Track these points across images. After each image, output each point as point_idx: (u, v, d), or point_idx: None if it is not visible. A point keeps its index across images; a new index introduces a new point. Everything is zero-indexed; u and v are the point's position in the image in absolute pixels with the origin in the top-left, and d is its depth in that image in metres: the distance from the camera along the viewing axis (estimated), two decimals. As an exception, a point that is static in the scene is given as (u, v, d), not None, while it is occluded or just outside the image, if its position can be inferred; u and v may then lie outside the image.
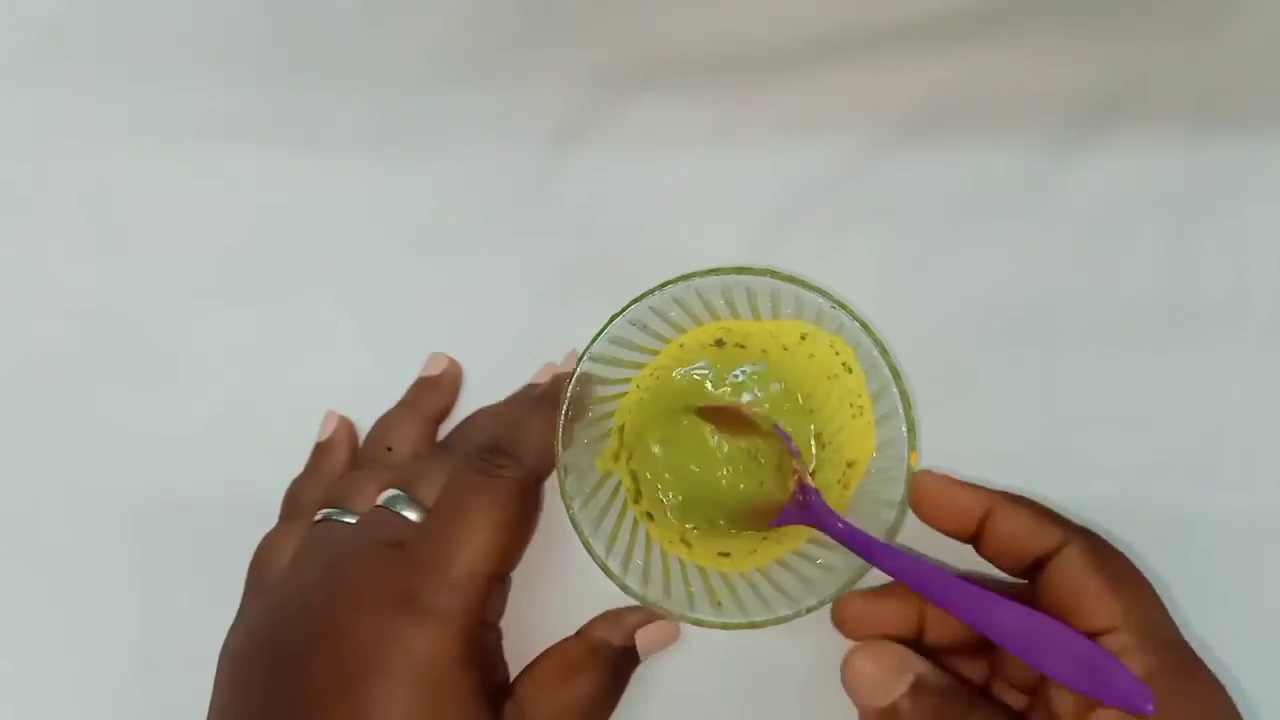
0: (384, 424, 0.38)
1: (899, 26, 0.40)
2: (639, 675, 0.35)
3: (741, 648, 0.34)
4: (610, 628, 0.35)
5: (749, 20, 0.41)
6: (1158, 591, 0.30)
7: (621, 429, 0.36)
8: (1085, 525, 0.31)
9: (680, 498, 0.36)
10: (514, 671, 0.34)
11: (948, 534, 0.32)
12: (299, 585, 0.33)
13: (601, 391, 0.34)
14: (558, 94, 0.41)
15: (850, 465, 0.35)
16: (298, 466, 0.39)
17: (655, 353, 0.36)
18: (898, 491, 0.32)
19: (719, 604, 0.33)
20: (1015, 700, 0.32)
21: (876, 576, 0.32)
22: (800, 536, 0.35)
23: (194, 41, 0.42)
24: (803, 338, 0.35)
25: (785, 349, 0.36)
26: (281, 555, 0.35)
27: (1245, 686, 0.34)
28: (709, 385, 0.37)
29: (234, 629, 0.34)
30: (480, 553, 0.32)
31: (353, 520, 0.34)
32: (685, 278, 0.33)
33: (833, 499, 0.34)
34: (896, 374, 0.33)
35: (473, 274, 0.40)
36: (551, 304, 0.40)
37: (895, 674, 0.30)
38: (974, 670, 0.33)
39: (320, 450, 0.39)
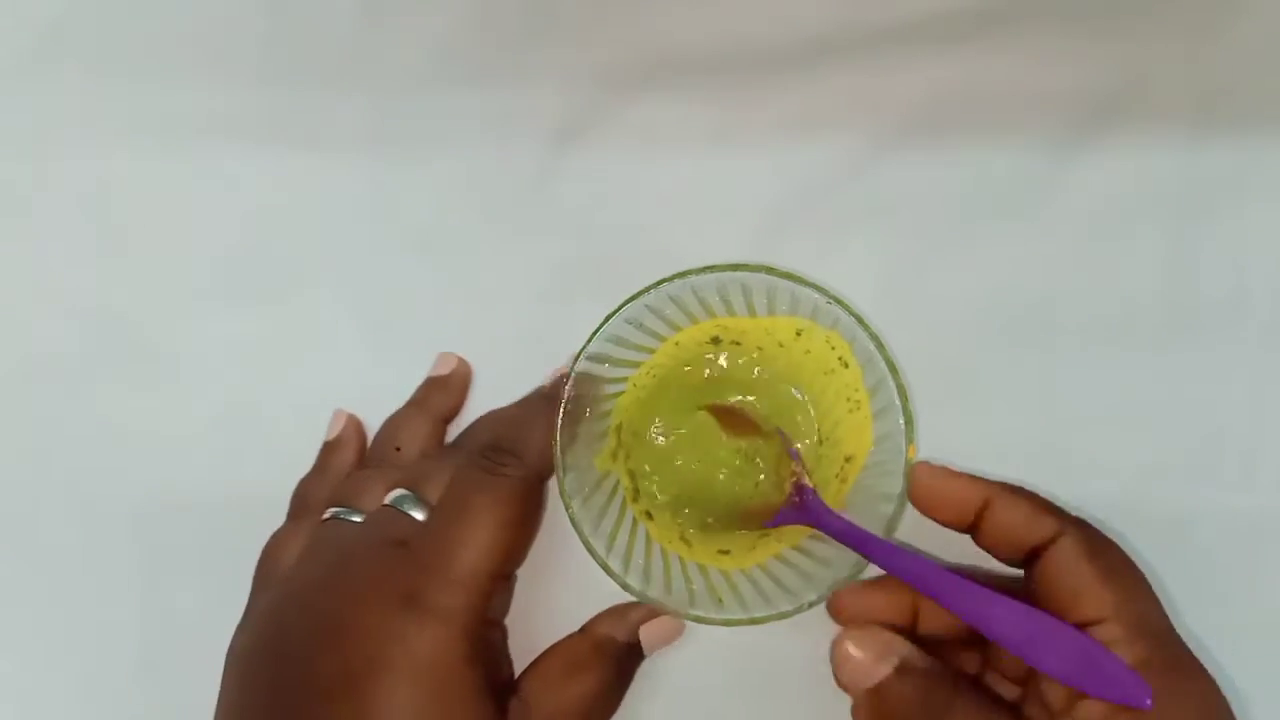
0: (392, 424, 0.38)
1: (899, 26, 0.40)
2: (643, 671, 0.35)
3: (744, 643, 0.34)
4: (614, 623, 0.35)
5: (749, 20, 0.41)
6: (1156, 590, 0.31)
7: (619, 428, 0.36)
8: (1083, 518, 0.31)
9: (668, 497, 0.36)
10: (519, 669, 0.34)
11: (945, 524, 0.32)
12: (305, 583, 0.34)
13: (599, 390, 0.34)
14: (558, 94, 0.41)
15: (848, 460, 0.35)
16: (298, 466, 0.39)
17: (652, 351, 0.36)
18: (896, 485, 0.32)
19: (720, 601, 0.33)
20: (1008, 691, 0.32)
21: (876, 569, 0.32)
22: (800, 533, 0.35)
23: (194, 41, 0.42)
24: (798, 333, 0.35)
25: (781, 345, 0.36)
26: (289, 553, 0.35)
27: (1244, 686, 0.34)
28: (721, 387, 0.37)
29: (241, 627, 0.35)
30: (483, 551, 0.32)
31: (360, 519, 0.35)
32: (681, 275, 0.33)
33: (830, 494, 0.34)
34: (893, 367, 0.33)
35: (473, 274, 0.40)
36: (551, 304, 0.40)
37: (880, 657, 0.30)
38: (967, 661, 0.33)
39: (328, 449, 0.39)
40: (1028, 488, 0.32)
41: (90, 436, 0.40)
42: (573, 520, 0.32)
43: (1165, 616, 0.30)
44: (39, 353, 0.41)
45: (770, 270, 0.33)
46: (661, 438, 0.37)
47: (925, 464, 0.32)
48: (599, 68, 0.41)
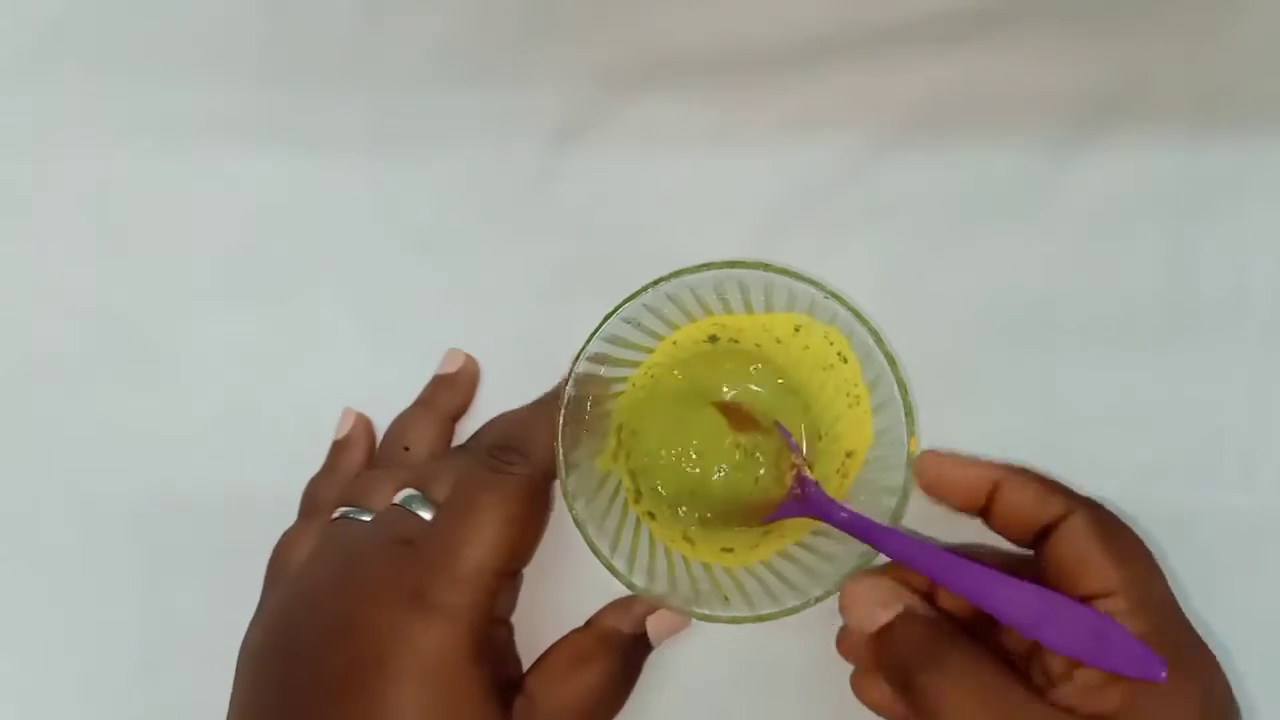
0: (401, 423, 0.38)
1: (899, 26, 0.40)
2: (648, 666, 0.36)
3: (750, 637, 0.34)
4: (620, 616, 0.35)
5: (749, 20, 0.41)
6: None
7: (619, 428, 0.36)
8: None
9: (668, 494, 0.36)
10: (526, 667, 0.35)
11: (957, 509, 0.32)
12: (313, 582, 0.34)
13: (599, 391, 0.34)
14: (558, 94, 0.41)
15: (849, 455, 0.35)
16: (298, 466, 0.39)
17: (650, 350, 0.36)
18: (898, 478, 0.33)
19: (726, 599, 0.33)
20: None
21: (882, 561, 0.32)
22: (802, 529, 0.35)
23: (194, 41, 0.42)
24: (796, 330, 0.35)
25: (779, 342, 0.36)
26: (299, 552, 0.35)
27: (1245, 686, 0.34)
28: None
29: (252, 624, 0.35)
30: (488, 549, 0.32)
31: (369, 519, 0.35)
32: (678, 274, 0.33)
33: (831, 490, 0.34)
34: (892, 361, 0.33)
35: (473, 274, 0.40)
36: (551, 304, 0.40)
37: (886, 603, 0.31)
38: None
39: (337, 448, 0.39)
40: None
41: (90, 436, 0.40)
42: (576, 521, 0.32)
43: (1171, 593, 0.30)
44: (39, 353, 0.41)
45: (767, 266, 0.33)
46: (661, 437, 0.37)
47: (933, 451, 0.33)
48: (599, 68, 0.41)
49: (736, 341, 0.36)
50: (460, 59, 0.41)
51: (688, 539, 0.35)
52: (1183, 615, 0.30)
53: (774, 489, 0.36)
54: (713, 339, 0.36)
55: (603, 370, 0.34)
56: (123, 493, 0.40)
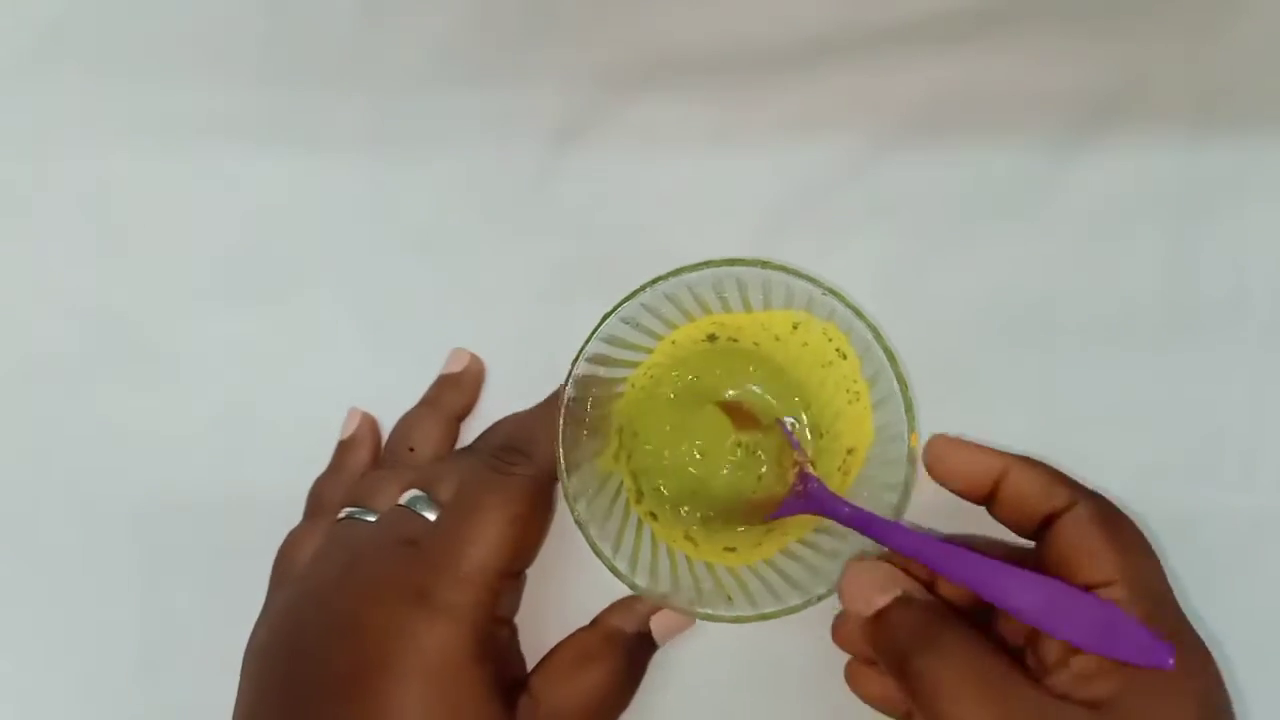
0: (406, 424, 0.39)
1: (899, 26, 0.40)
2: (653, 664, 0.36)
3: (754, 637, 0.34)
4: (624, 615, 0.35)
5: (749, 20, 0.41)
6: None
7: (620, 429, 0.36)
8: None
9: (670, 493, 0.36)
10: (531, 667, 0.35)
11: (962, 495, 0.32)
12: (318, 582, 0.34)
13: (599, 392, 0.34)
14: (558, 94, 0.41)
15: (850, 452, 0.35)
16: (298, 466, 0.39)
17: (650, 351, 0.36)
18: (899, 474, 0.33)
19: (729, 598, 0.33)
20: None
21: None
22: (805, 527, 0.35)
23: (194, 41, 0.42)
24: (795, 327, 0.35)
25: (777, 339, 0.36)
26: (304, 552, 0.35)
27: (1245, 686, 0.34)
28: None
29: (258, 624, 0.35)
30: (491, 549, 0.32)
31: (373, 519, 0.35)
32: (676, 272, 0.33)
33: (833, 487, 0.34)
34: (891, 356, 0.33)
35: (473, 274, 0.40)
36: (551, 304, 0.40)
37: (883, 588, 0.31)
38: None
39: (343, 448, 0.39)
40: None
41: (90, 436, 0.40)
42: (578, 522, 0.32)
43: (1170, 590, 0.30)
44: (39, 353, 0.41)
45: (764, 264, 0.33)
46: (662, 437, 0.37)
47: (943, 436, 0.33)
48: (599, 68, 0.41)
49: (735, 340, 0.36)
50: (460, 59, 0.41)
51: (690, 539, 0.35)
52: (1179, 607, 0.30)
53: (776, 486, 0.36)
54: (711, 338, 0.36)
55: (602, 371, 0.34)
56: (123, 493, 0.40)
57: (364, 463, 0.38)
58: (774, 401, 0.37)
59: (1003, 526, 0.33)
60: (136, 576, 0.39)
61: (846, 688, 0.34)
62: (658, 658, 0.36)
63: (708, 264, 0.33)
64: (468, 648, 0.31)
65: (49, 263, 0.41)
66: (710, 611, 0.32)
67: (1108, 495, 0.34)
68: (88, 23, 0.42)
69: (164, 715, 0.39)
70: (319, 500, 0.38)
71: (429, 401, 0.39)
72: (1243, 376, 0.39)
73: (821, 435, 0.36)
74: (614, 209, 0.40)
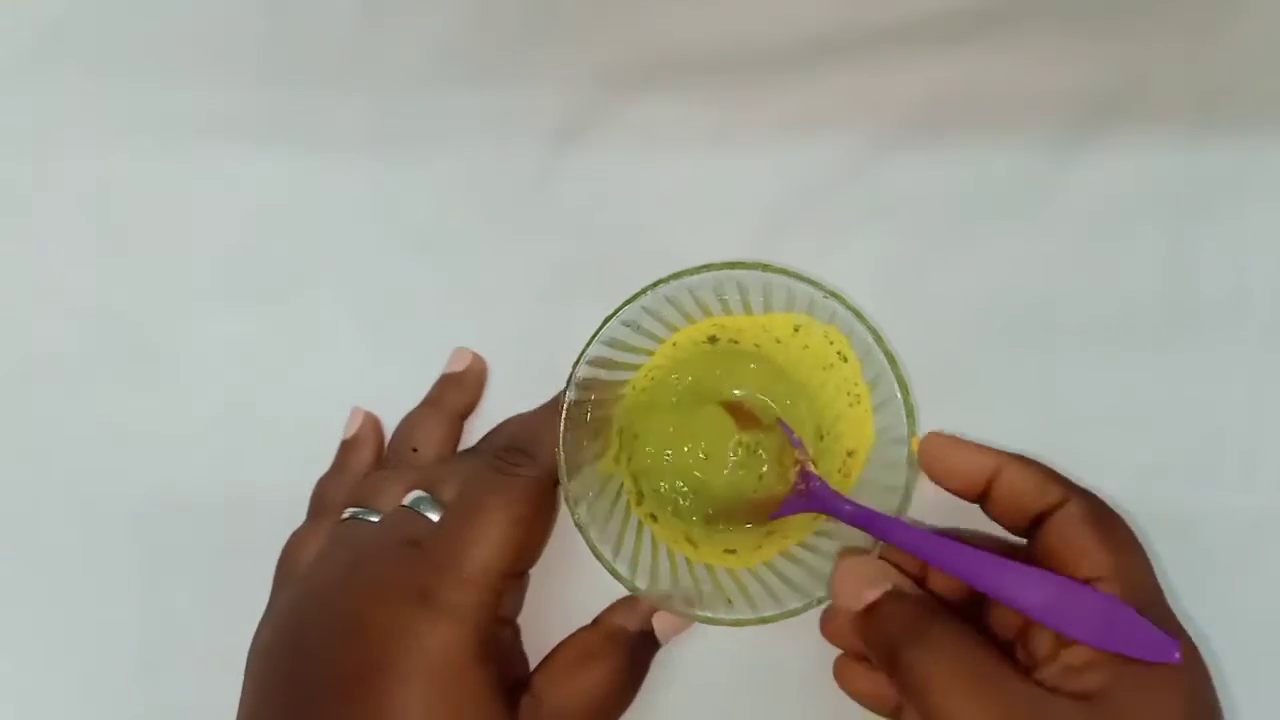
0: (409, 424, 0.39)
1: (899, 26, 0.40)
2: (655, 664, 0.36)
3: (755, 638, 0.34)
4: (626, 614, 0.35)
5: (749, 20, 0.41)
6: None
7: (620, 431, 0.36)
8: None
9: (670, 493, 0.36)
10: (534, 667, 0.35)
11: (957, 493, 0.32)
12: (321, 582, 0.34)
13: (600, 394, 0.34)
14: (558, 94, 0.41)
15: (850, 454, 0.35)
16: (298, 466, 0.39)
17: (650, 353, 0.36)
18: (900, 477, 0.33)
19: (729, 601, 0.33)
20: None
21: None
22: (805, 529, 0.35)
23: (194, 41, 0.42)
24: (796, 329, 0.35)
25: (778, 342, 0.36)
26: (308, 552, 0.35)
27: (1244, 686, 0.34)
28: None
29: (262, 624, 0.35)
30: (494, 549, 0.32)
31: (377, 519, 0.35)
32: (676, 276, 0.33)
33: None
34: (892, 359, 0.33)
35: (473, 274, 0.40)
36: (551, 304, 0.40)
37: (873, 582, 0.31)
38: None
39: (346, 448, 0.39)
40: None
41: (90, 436, 0.40)
42: (579, 524, 0.32)
43: (1160, 588, 0.30)
44: (39, 353, 0.41)
45: (765, 267, 0.33)
46: (663, 439, 0.37)
47: (938, 433, 0.33)
48: (599, 68, 0.41)
49: (736, 342, 0.36)
50: (460, 59, 0.41)
51: (690, 541, 0.35)
52: (1168, 605, 0.30)
53: (777, 486, 0.36)
54: (712, 340, 0.36)
55: (603, 374, 0.34)
56: (123, 493, 0.40)
57: (367, 462, 0.38)
58: (775, 403, 0.37)
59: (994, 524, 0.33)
60: (136, 576, 0.39)
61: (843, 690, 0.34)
62: (659, 658, 0.36)
63: (708, 267, 0.33)
64: (470, 648, 0.31)
65: (49, 263, 0.41)
66: (710, 614, 0.32)
67: (1107, 495, 0.34)
68: (88, 23, 0.42)
69: (164, 715, 0.39)
70: (322, 500, 0.38)
71: (432, 401, 0.39)
72: (1243, 376, 0.39)
73: (822, 437, 0.36)
74: (614, 209, 0.40)
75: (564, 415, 0.33)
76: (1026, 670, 0.29)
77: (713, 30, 0.41)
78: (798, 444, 0.36)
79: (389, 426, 0.39)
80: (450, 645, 0.31)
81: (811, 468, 0.35)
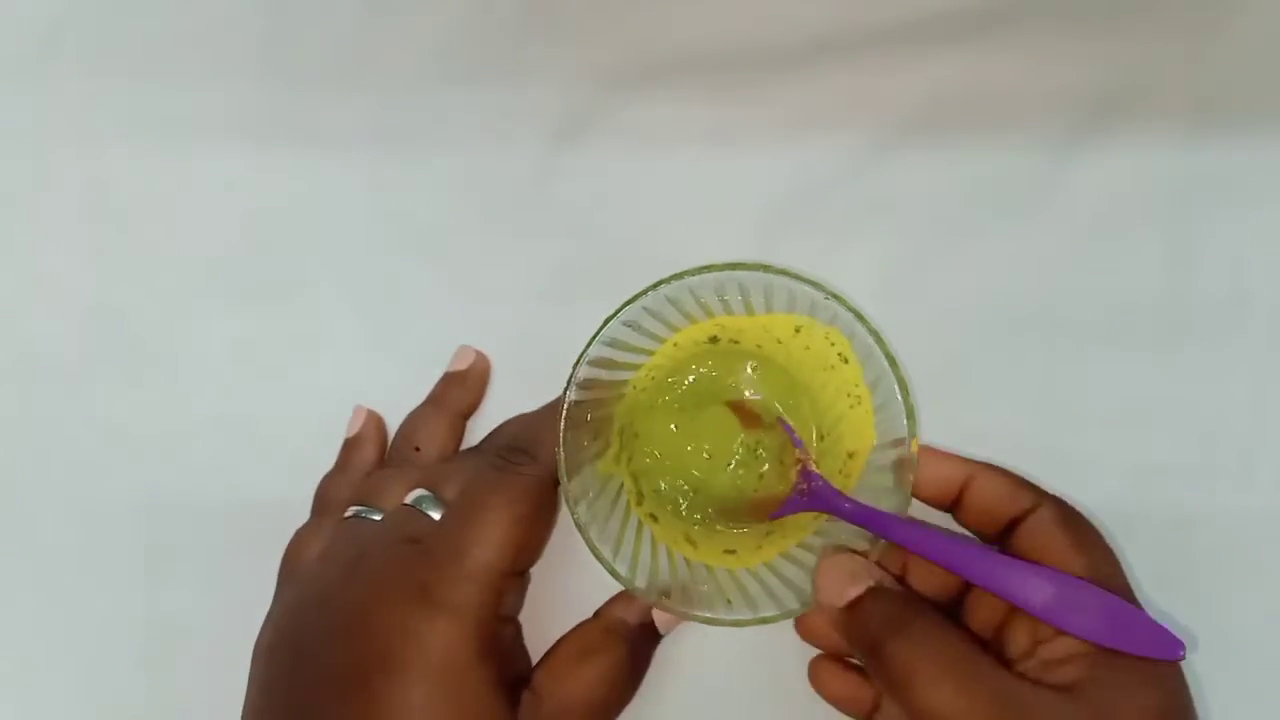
0: (411, 423, 0.39)
1: (899, 26, 0.40)
2: (655, 664, 0.36)
3: (755, 636, 0.34)
4: (626, 607, 0.35)
5: (749, 20, 0.41)
6: (1155, 587, 0.33)
7: (621, 431, 0.36)
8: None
9: (670, 493, 0.36)
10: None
11: (929, 501, 0.33)
12: (323, 580, 0.34)
13: (600, 394, 0.34)
14: (558, 94, 0.41)
15: (850, 456, 0.35)
16: (298, 466, 0.39)
17: (651, 353, 0.36)
18: (900, 477, 0.33)
19: (729, 601, 0.33)
20: None
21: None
22: (804, 530, 0.35)
23: (194, 41, 0.42)
24: (797, 330, 0.35)
25: (779, 342, 0.36)
26: (311, 551, 0.35)
27: (1244, 686, 0.34)
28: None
29: (265, 622, 0.35)
30: (495, 547, 0.32)
31: (379, 518, 0.35)
32: (678, 276, 0.33)
33: None
34: (893, 361, 0.33)
35: (473, 274, 0.40)
36: (551, 304, 0.40)
37: (855, 578, 0.31)
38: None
39: (349, 446, 0.39)
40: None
41: (90, 436, 0.40)
42: (578, 524, 0.32)
43: (1129, 584, 0.31)
44: (39, 352, 0.41)
45: (767, 268, 0.33)
46: (664, 438, 0.37)
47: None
48: (599, 68, 0.41)
49: (737, 343, 0.36)
50: (460, 58, 0.41)
51: (690, 541, 0.35)
52: (1140, 604, 0.31)
53: (778, 485, 0.36)
54: (713, 340, 0.36)
55: (604, 374, 0.34)
56: (123, 493, 0.40)
57: (370, 461, 0.38)
58: (776, 403, 0.37)
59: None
60: (137, 576, 0.39)
61: None
62: (659, 658, 0.36)
63: (710, 268, 0.33)
64: (472, 646, 0.31)
65: (48, 263, 0.41)
66: (710, 614, 0.32)
67: (1107, 495, 0.34)
68: (88, 23, 0.42)
69: (164, 715, 0.39)
70: (325, 499, 0.38)
71: (434, 400, 0.39)
72: (1243, 376, 0.39)
73: (823, 438, 0.36)
74: (614, 209, 0.40)
75: (564, 415, 0.33)
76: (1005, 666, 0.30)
77: (713, 30, 0.41)
78: (799, 443, 0.36)
79: (390, 426, 0.39)
80: (452, 643, 0.31)
81: (813, 467, 0.35)
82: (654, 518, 0.36)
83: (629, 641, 0.35)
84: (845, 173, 0.40)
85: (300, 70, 0.42)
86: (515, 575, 0.34)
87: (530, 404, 0.38)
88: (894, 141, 0.40)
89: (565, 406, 0.33)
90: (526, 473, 0.34)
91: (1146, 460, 0.38)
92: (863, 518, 0.32)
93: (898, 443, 0.33)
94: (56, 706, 0.39)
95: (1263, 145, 0.40)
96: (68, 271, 0.41)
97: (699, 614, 0.32)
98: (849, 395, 0.35)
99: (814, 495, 0.34)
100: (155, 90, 0.41)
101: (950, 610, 0.33)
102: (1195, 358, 0.39)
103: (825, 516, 0.34)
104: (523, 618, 0.36)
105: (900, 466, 0.33)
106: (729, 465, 0.37)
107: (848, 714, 0.34)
